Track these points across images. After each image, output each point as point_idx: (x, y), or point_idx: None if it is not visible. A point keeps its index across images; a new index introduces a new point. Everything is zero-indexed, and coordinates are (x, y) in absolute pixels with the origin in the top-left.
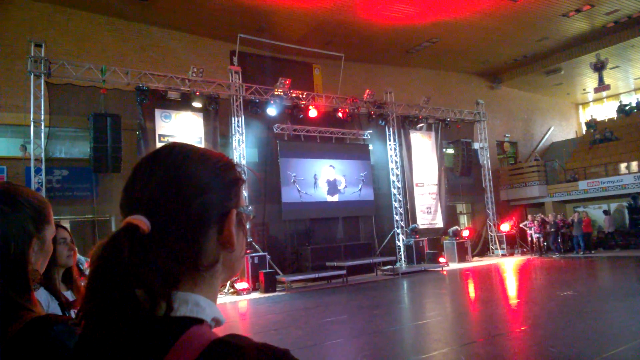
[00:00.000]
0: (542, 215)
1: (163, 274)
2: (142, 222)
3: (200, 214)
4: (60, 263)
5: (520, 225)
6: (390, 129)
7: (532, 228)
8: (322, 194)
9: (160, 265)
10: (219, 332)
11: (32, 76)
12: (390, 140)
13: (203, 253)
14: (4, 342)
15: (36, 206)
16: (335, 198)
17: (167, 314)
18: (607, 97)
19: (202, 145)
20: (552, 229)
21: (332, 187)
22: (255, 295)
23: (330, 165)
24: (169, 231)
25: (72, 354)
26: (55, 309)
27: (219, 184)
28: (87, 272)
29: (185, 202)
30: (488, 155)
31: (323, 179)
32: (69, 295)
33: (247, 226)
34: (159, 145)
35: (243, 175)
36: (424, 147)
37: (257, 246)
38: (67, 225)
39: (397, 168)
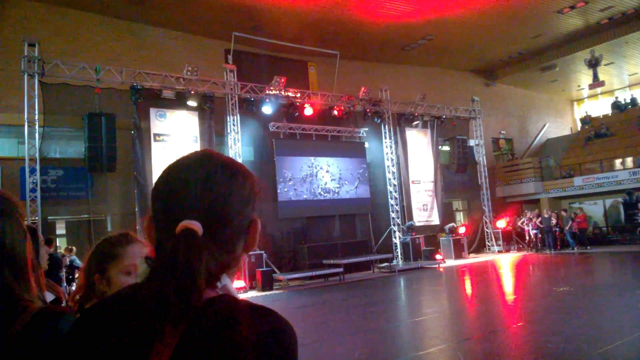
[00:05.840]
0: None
1: (218, 266)
2: (197, 227)
3: (241, 224)
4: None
5: (518, 223)
6: (386, 126)
7: (530, 225)
8: (318, 192)
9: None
10: None
11: (25, 76)
12: (386, 137)
13: (236, 256)
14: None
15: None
16: (331, 196)
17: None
18: (602, 93)
19: (197, 144)
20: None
21: (328, 185)
22: (253, 293)
23: (327, 164)
24: (217, 237)
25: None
26: None
27: (252, 199)
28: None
29: (233, 215)
30: (484, 152)
31: (319, 177)
32: (48, 296)
33: None
34: (154, 144)
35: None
36: (419, 144)
37: None
38: (62, 225)
39: (393, 165)
